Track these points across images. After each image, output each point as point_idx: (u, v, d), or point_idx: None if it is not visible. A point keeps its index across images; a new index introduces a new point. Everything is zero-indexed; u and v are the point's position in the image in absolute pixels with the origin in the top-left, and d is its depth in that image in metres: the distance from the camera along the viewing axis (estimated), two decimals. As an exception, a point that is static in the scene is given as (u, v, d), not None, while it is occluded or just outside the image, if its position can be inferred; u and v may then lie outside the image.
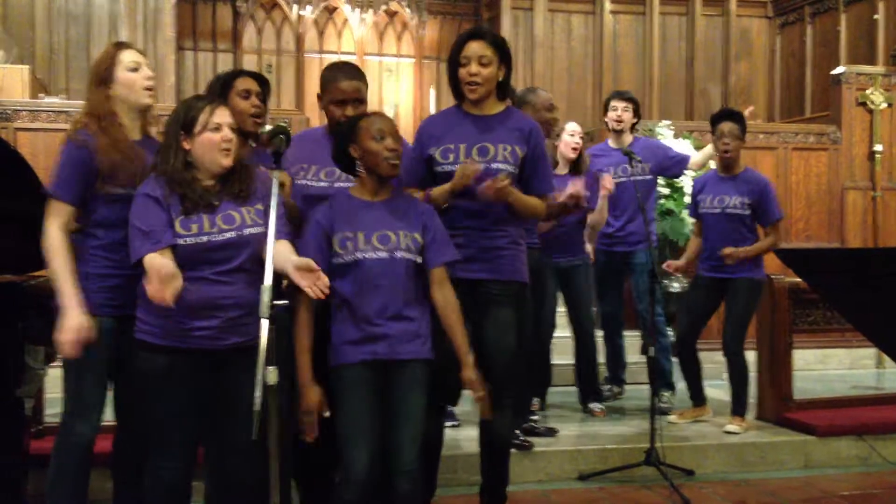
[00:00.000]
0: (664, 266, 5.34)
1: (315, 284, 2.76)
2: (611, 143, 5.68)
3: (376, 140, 3.04)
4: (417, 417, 3.05)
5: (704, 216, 5.13)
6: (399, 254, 3.03)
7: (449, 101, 3.64)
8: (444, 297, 3.10)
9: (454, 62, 3.37)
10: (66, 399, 3.11)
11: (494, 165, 3.32)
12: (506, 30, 9.58)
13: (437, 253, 3.11)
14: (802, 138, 7.81)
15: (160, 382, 2.87)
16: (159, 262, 2.72)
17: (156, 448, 2.93)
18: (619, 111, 5.59)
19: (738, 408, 5.08)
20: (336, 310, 3.07)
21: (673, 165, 5.67)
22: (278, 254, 2.78)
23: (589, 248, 5.38)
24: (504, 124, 3.40)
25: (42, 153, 6.02)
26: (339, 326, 3.06)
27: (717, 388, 5.47)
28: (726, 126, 4.99)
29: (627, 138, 5.63)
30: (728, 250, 4.91)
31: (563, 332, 5.64)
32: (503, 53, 3.40)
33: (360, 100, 3.41)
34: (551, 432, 4.87)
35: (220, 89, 3.39)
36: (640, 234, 5.43)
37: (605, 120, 5.70)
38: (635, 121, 5.69)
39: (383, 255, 3.02)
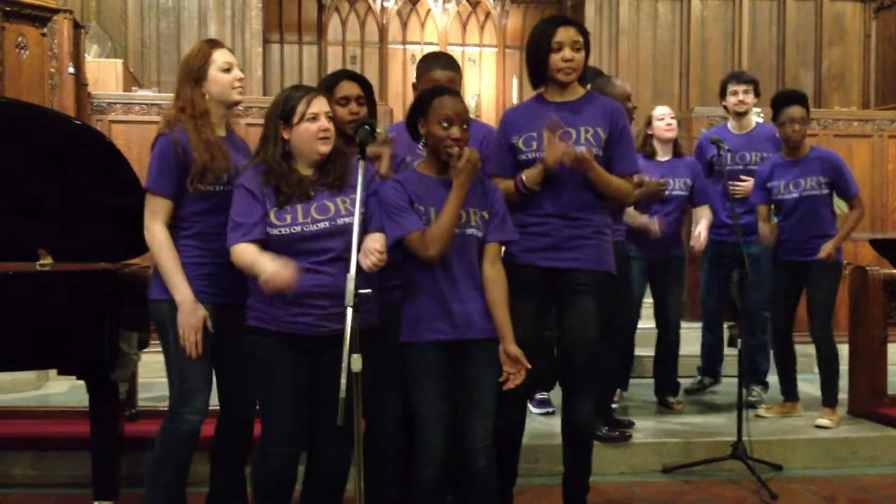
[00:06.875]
0: None
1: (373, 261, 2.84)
2: (730, 127, 5.51)
3: (442, 126, 3.02)
4: (490, 395, 3.06)
5: (782, 202, 4.98)
6: (469, 230, 3.04)
7: (531, 89, 3.63)
8: (496, 271, 3.09)
9: (545, 48, 3.36)
10: (171, 387, 3.18)
11: (578, 148, 3.28)
12: (589, 17, 9.46)
13: (496, 229, 3.11)
14: (899, 125, 7.55)
15: (264, 366, 2.95)
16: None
17: (263, 434, 3.01)
18: (741, 94, 5.41)
19: (829, 398, 4.94)
20: (408, 286, 3.08)
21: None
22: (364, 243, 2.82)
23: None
24: (586, 108, 3.40)
25: (135, 145, 6.19)
26: (411, 303, 3.06)
27: (808, 383, 5.33)
28: (797, 111, 4.84)
29: (750, 122, 5.48)
30: (824, 252, 4.79)
31: (645, 323, 5.56)
32: (587, 41, 3.43)
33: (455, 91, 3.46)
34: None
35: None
36: (754, 226, 5.16)
37: (724, 104, 5.54)
38: (755, 102, 5.53)
39: (455, 231, 3.01)
